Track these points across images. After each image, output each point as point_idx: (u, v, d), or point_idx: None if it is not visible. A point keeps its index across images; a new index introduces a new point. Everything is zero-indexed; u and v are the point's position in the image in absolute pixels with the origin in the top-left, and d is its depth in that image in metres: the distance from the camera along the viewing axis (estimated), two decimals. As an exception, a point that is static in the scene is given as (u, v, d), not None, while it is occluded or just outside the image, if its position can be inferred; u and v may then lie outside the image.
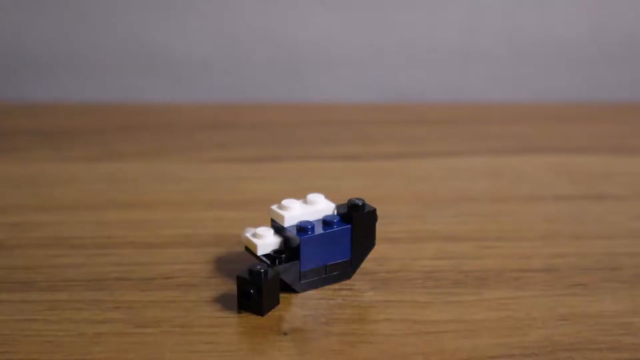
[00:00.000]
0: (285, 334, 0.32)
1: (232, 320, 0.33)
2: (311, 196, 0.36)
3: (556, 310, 0.34)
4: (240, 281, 0.33)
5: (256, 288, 0.33)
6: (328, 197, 0.37)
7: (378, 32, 0.68)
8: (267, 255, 0.35)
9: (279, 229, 0.35)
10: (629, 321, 0.33)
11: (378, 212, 0.36)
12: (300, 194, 0.37)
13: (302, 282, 0.35)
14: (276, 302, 0.34)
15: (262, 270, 0.33)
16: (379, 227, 0.36)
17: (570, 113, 0.64)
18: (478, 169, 0.51)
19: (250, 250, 0.36)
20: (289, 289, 0.35)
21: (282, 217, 0.35)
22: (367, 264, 0.36)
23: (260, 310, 0.33)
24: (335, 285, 0.36)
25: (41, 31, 0.67)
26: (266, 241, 0.35)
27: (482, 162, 0.52)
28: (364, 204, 0.35)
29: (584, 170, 0.51)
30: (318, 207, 0.36)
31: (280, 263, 0.34)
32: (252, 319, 0.33)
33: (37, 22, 0.67)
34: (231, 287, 0.35)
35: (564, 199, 0.46)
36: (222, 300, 0.34)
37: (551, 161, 0.53)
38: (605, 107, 0.66)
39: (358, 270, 0.36)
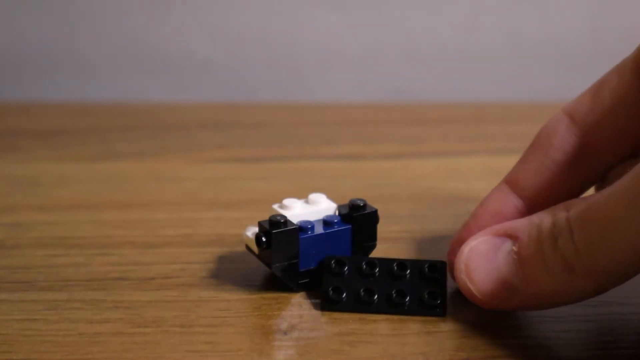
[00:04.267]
0: (285, 334, 0.32)
1: (232, 320, 0.33)
2: (313, 196, 0.36)
3: (556, 310, 0.34)
4: (260, 227, 0.34)
5: (268, 236, 0.33)
6: (328, 197, 0.37)
7: (378, 32, 0.68)
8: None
9: None
10: (629, 320, 0.33)
11: (378, 212, 0.36)
12: (300, 194, 0.37)
13: (301, 282, 0.35)
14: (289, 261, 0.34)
15: (281, 221, 0.33)
16: (379, 227, 0.36)
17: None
18: (478, 169, 0.51)
19: (251, 249, 0.36)
20: (288, 289, 0.35)
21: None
22: (367, 263, 0.36)
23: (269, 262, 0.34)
24: (335, 285, 0.36)
25: (41, 31, 0.67)
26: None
27: (482, 162, 0.52)
28: (365, 205, 0.35)
29: (584, 170, 0.51)
30: (320, 207, 0.36)
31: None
32: (252, 319, 0.33)
33: (37, 22, 0.67)
34: (231, 287, 0.35)
35: (564, 199, 0.46)
36: (221, 300, 0.34)
37: (551, 161, 0.52)
38: (606, 107, 0.65)
39: (358, 270, 0.36)
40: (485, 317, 0.33)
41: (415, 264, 0.34)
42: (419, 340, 0.32)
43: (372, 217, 0.35)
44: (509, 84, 0.70)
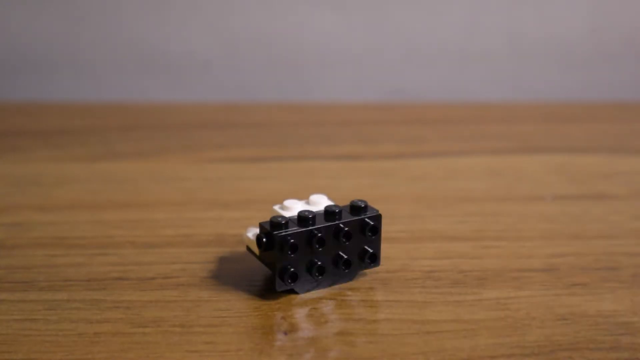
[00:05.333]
0: (285, 334, 0.32)
1: (232, 320, 0.33)
2: (314, 197, 0.36)
3: (555, 310, 0.34)
4: (261, 228, 0.34)
5: (269, 237, 0.33)
6: (329, 197, 0.37)
7: (378, 32, 0.68)
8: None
9: None
10: (628, 321, 0.33)
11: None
12: (300, 194, 0.37)
13: (302, 282, 0.35)
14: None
15: (282, 222, 0.33)
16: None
17: (570, 113, 0.65)
18: (478, 169, 0.51)
19: (251, 250, 0.36)
20: (289, 289, 0.35)
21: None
22: (367, 263, 0.36)
23: (270, 263, 0.34)
24: (336, 286, 0.36)
25: (41, 31, 0.67)
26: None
27: (482, 162, 0.52)
28: (366, 206, 0.35)
29: (584, 170, 0.51)
30: (320, 207, 0.36)
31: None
32: (252, 318, 0.33)
33: (38, 22, 0.67)
34: (231, 287, 0.35)
35: (564, 199, 0.46)
36: (222, 300, 0.34)
37: (551, 161, 0.53)
38: (605, 107, 0.66)
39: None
40: (485, 317, 0.33)
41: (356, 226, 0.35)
42: (419, 340, 0.32)
43: (375, 220, 0.35)
44: (509, 84, 0.70)
